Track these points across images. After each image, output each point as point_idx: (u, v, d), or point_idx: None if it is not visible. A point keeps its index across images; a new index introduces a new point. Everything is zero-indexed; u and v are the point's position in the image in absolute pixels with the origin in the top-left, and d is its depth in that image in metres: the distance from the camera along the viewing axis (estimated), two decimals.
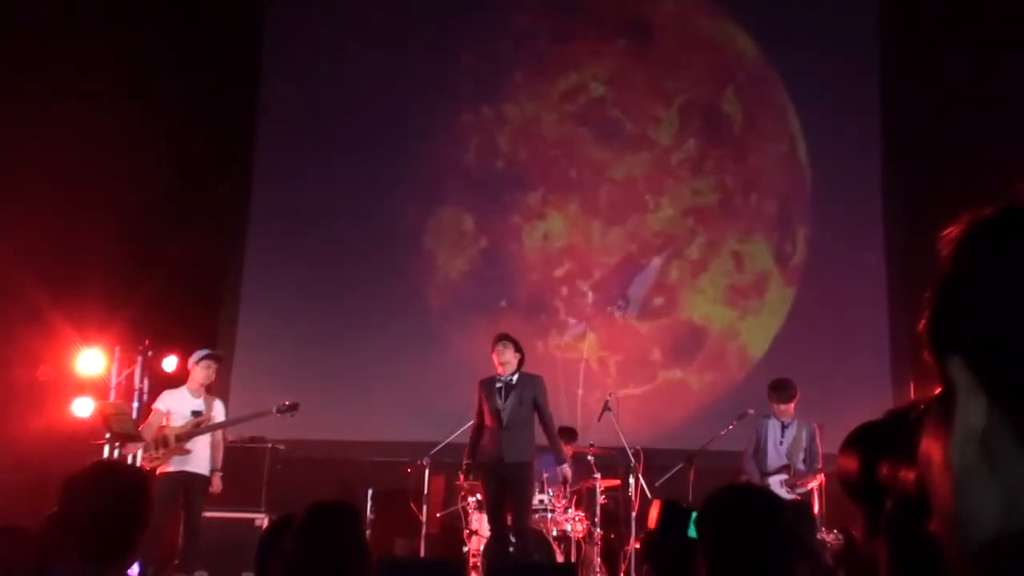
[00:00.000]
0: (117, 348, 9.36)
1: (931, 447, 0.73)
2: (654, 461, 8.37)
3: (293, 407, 8.03)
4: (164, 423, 7.83)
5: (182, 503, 7.65)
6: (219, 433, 8.02)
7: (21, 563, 2.84)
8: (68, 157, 9.03)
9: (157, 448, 7.70)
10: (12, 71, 8.99)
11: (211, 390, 8.22)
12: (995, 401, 0.68)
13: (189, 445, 7.73)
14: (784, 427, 7.67)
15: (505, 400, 7.40)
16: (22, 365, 9.05)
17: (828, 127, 10.26)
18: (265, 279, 10.85)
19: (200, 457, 7.80)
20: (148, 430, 7.82)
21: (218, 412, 8.03)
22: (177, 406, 7.90)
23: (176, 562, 7.53)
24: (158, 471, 7.63)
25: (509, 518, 7.52)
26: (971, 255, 0.71)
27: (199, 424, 7.82)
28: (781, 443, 7.66)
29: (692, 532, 2.24)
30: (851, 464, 1.05)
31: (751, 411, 7.91)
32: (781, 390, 7.62)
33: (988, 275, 0.69)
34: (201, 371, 7.99)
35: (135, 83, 9.40)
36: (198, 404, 7.93)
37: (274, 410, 8.04)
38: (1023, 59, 8.71)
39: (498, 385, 7.46)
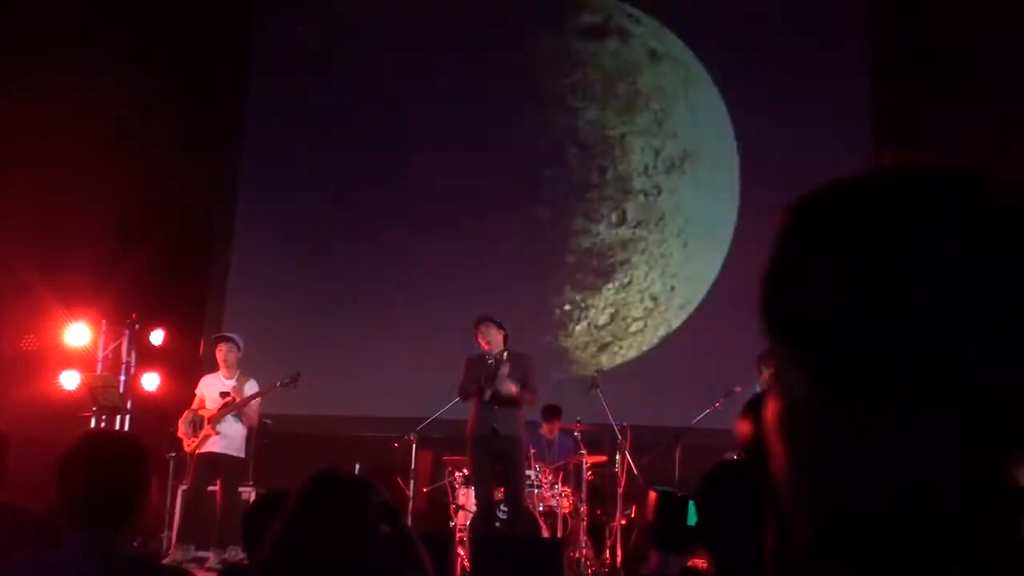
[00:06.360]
0: (104, 321, 9.35)
1: (770, 418, 0.79)
2: (641, 438, 8.40)
3: (295, 378, 8.22)
4: (198, 407, 8.11)
5: (218, 483, 7.94)
6: (251, 413, 8.16)
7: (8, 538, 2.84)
8: (56, 132, 8.96)
9: (194, 431, 7.98)
10: (4, 51, 8.92)
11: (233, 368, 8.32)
12: (817, 376, 0.73)
13: (220, 427, 7.96)
14: None
15: (497, 376, 7.40)
16: (9, 337, 9.02)
17: (817, 105, 10.22)
18: (253, 253, 10.82)
19: (229, 437, 8.01)
20: (184, 419, 8.11)
21: (248, 391, 8.18)
22: (209, 391, 8.16)
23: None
24: (195, 452, 7.94)
25: (500, 492, 7.60)
26: (785, 241, 0.77)
27: (226, 405, 8.01)
28: None
29: (692, 520, 2.23)
30: (745, 428, 1.13)
31: (738, 388, 7.93)
32: None
33: (799, 260, 0.75)
34: (218, 355, 8.24)
35: (124, 59, 9.32)
36: (227, 385, 8.14)
37: (278, 385, 8.22)
38: (1015, 39, 8.70)
39: (489, 361, 7.49)
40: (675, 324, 10.45)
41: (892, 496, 0.71)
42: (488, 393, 7.35)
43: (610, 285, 10.59)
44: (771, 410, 0.79)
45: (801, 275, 0.75)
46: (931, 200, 0.73)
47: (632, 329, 10.52)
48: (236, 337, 8.38)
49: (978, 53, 8.97)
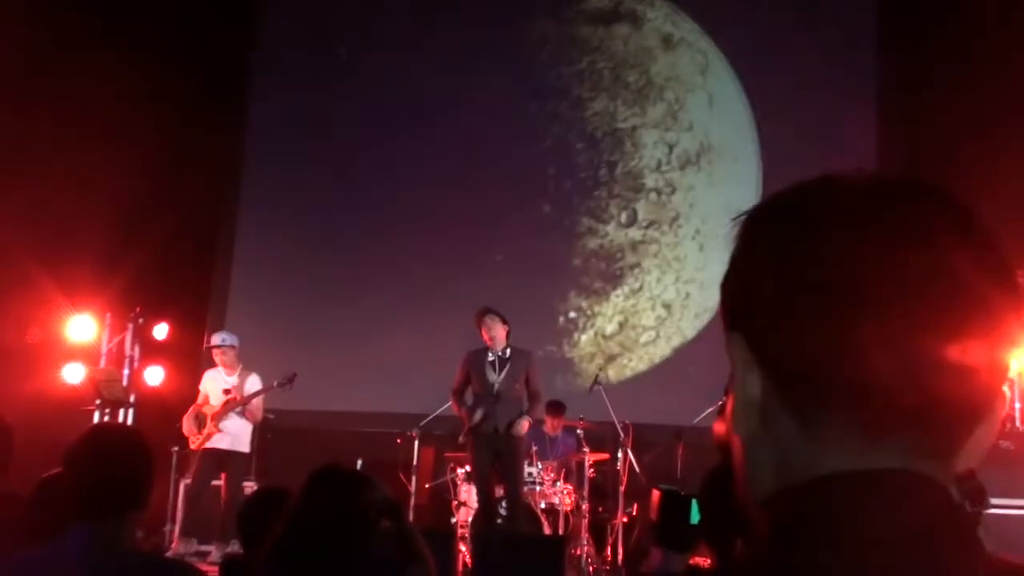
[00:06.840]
0: (108, 315, 9.37)
1: (727, 414, 0.83)
2: (643, 436, 8.41)
3: (291, 379, 8.22)
4: (202, 403, 8.16)
5: (222, 478, 8.00)
6: (254, 410, 8.18)
7: (11, 527, 2.86)
8: (60, 126, 8.96)
9: (197, 428, 8.04)
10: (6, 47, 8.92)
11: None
12: (766, 374, 0.76)
13: (223, 424, 8.01)
14: None
15: (499, 374, 7.42)
16: (12, 331, 9.03)
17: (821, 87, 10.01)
18: (257, 249, 10.82)
19: (232, 434, 8.05)
20: (188, 416, 8.15)
21: (250, 387, 8.22)
22: (212, 387, 8.21)
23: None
24: (199, 448, 7.99)
25: (500, 489, 7.60)
26: (738, 244, 0.81)
27: (228, 403, 8.08)
28: None
29: (695, 519, 2.24)
30: (721, 428, 1.17)
31: None
32: None
33: (747, 262, 0.79)
34: (215, 359, 8.28)
35: (129, 55, 9.32)
36: (229, 381, 8.19)
37: (275, 384, 8.24)
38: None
39: (490, 358, 7.47)
40: (690, 334, 9.94)
41: (831, 491, 0.73)
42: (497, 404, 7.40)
43: (619, 291, 10.18)
44: (728, 407, 0.82)
45: (743, 278, 0.79)
46: (833, 212, 0.76)
47: (643, 339, 10.05)
48: (226, 339, 8.39)
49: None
